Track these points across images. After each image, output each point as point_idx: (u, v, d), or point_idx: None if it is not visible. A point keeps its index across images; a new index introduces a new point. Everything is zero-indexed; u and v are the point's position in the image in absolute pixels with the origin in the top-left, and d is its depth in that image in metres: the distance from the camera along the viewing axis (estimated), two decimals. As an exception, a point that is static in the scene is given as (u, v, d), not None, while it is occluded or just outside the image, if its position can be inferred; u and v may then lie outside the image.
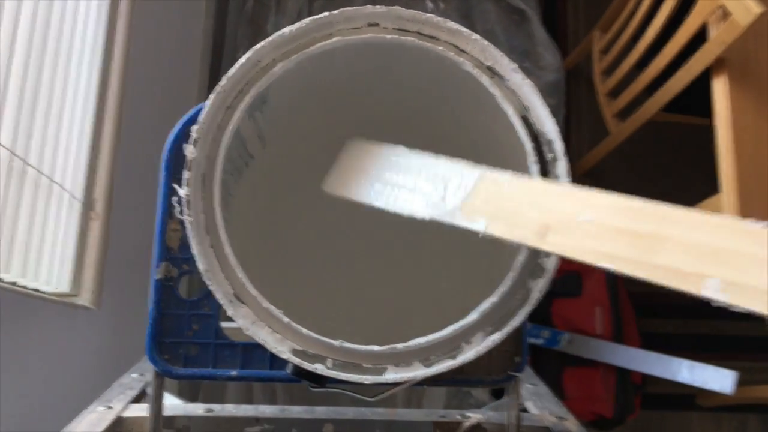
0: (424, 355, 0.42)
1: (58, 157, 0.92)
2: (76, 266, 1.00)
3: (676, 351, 1.36)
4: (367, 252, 0.68)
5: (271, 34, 0.45)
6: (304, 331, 0.41)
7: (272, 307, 0.41)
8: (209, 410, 0.67)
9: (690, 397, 1.55)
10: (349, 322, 0.59)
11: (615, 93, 1.40)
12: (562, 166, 0.43)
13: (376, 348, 0.41)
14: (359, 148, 0.53)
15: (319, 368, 0.41)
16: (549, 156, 0.43)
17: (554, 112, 1.58)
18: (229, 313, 0.42)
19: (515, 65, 0.44)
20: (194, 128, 0.44)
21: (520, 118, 0.44)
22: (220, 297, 0.42)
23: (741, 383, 1.26)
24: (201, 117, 0.44)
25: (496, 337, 0.42)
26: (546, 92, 1.57)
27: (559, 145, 0.43)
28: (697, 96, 1.21)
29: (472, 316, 0.41)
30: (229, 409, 0.67)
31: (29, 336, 0.85)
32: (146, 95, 1.22)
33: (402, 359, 0.42)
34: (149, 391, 0.64)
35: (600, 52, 1.46)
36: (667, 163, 1.69)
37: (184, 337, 0.59)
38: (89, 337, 1.08)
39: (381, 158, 0.50)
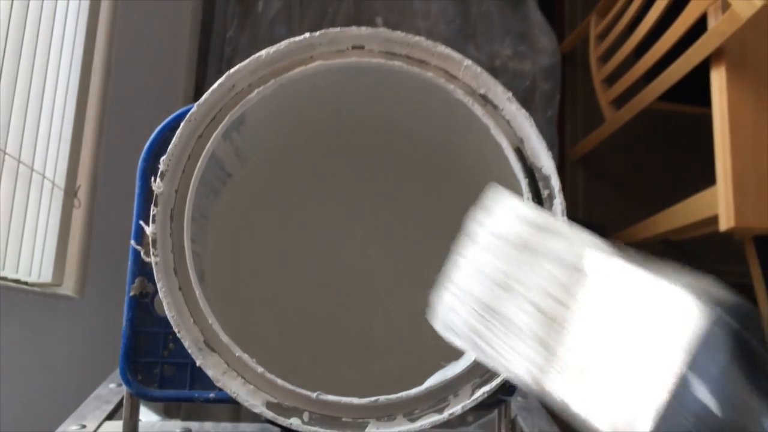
0: (409, 409, 0.39)
1: (39, 145, 0.88)
2: (58, 255, 0.97)
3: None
4: (350, 276, 0.64)
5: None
6: (279, 381, 0.38)
7: (245, 356, 0.39)
8: (187, 429, 0.64)
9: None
10: (328, 347, 0.57)
11: (611, 80, 1.36)
12: (558, 204, 0.40)
13: (356, 400, 0.38)
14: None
15: (294, 423, 0.38)
16: (545, 193, 0.40)
17: (549, 97, 1.53)
18: (198, 363, 0.39)
19: (510, 94, 0.40)
20: (163, 159, 0.40)
21: (514, 150, 0.40)
22: (188, 345, 0.39)
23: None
24: (170, 147, 0.40)
25: (485, 390, 0.39)
26: (541, 76, 1.53)
27: (555, 182, 0.40)
28: (696, 85, 1.18)
29: (459, 368, 0.39)
30: (208, 428, 0.65)
31: (10, 328, 0.82)
32: (131, 78, 1.17)
33: (384, 412, 0.39)
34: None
35: (597, 38, 1.42)
36: (663, 152, 1.66)
37: (160, 356, 0.56)
38: (72, 329, 1.05)
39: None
